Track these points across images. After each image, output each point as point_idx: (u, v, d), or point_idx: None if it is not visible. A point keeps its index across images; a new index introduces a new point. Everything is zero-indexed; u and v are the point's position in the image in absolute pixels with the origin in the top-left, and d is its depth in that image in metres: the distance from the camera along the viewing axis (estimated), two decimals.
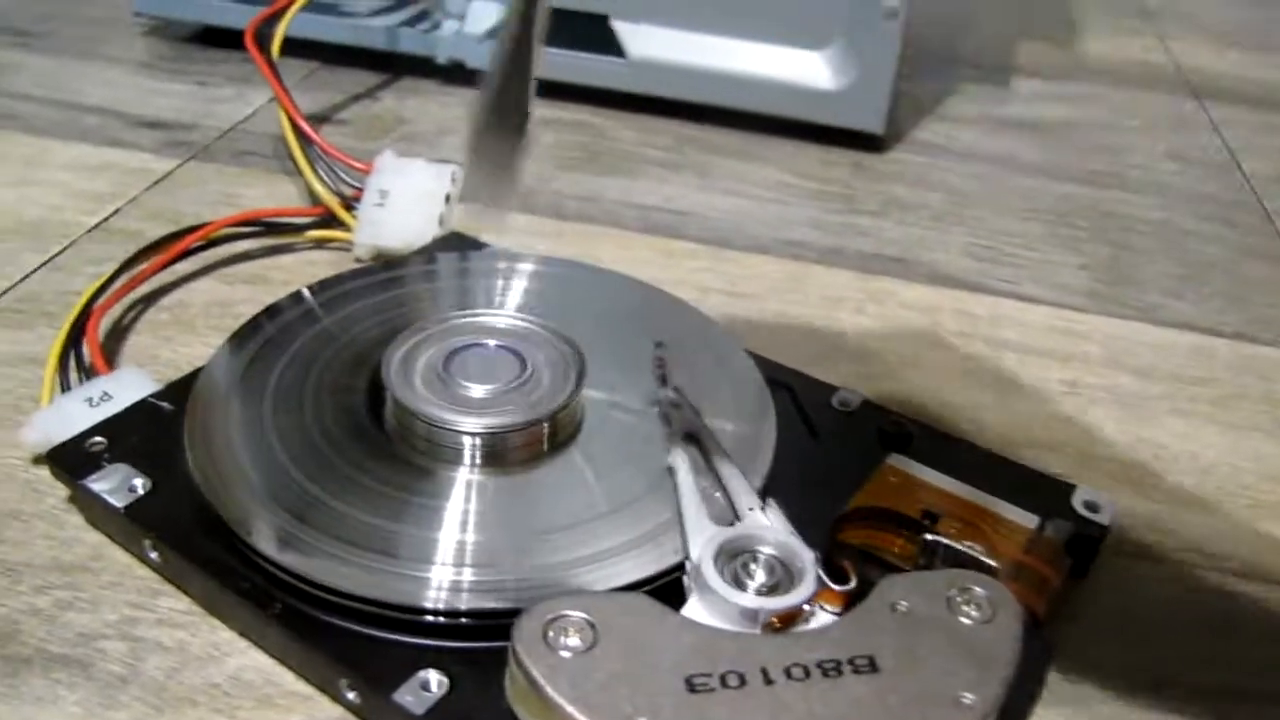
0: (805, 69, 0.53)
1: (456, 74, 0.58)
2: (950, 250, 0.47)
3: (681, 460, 0.28)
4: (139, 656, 0.26)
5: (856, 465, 0.31)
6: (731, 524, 0.26)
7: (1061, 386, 0.38)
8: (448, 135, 0.53)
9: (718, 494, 0.27)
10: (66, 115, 0.52)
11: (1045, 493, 0.30)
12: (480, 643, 0.25)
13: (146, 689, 0.25)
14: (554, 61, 0.56)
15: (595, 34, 0.55)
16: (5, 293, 0.39)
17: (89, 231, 0.42)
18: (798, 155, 0.54)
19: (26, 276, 0.39)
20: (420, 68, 0.58)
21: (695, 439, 0.29)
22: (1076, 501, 0.30)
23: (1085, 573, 0.30)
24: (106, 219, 0.43)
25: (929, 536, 0.28)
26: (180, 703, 0.25)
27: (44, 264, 0.40)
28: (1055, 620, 0.28)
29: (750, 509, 0.27)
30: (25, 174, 0.46)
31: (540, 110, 0.55)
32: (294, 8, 0.48)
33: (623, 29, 0.54)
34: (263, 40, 0.47)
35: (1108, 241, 0.49)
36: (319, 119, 0.54)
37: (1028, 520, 0.29)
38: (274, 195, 0.46)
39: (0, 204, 0.44)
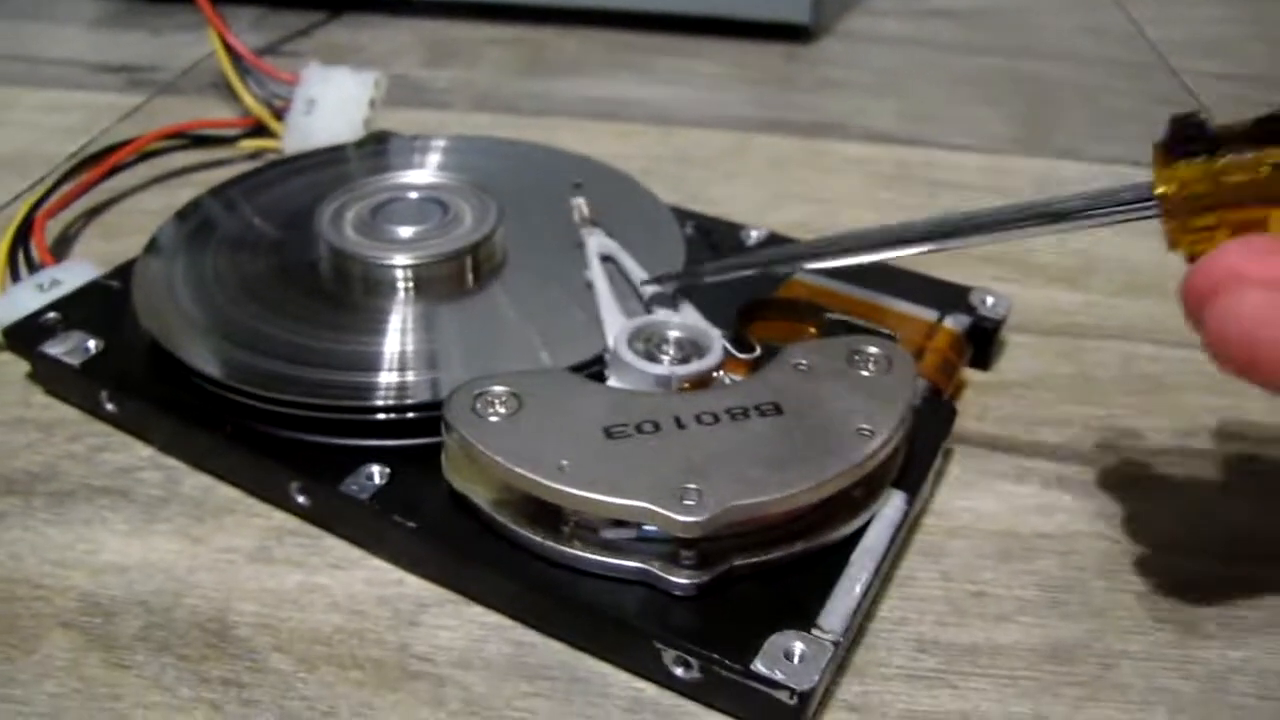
0: None
1: (402, 6, 0.60)
2: (885, 116, 0.50)
3: (599, 275, 0.31)
4: (175, 480, 0.28)
5: (764, 285, 0.32)
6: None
7: None
8: (402, 56, 0.56)
9: (633, 300, 0.30)
10: (29, 68, 0.53)
11: (944, 294, 0.33)
12: (418, 439, 0.27)
13: (186, 504, 0.28)
14: None
15: None
16: None
17: (69, 159, 0.44)
18: (732, 51, 0.57)
19: (16, 198, 0.41)
20: (366, 3, 0.61)
21: (610, 260, 0.32)
22: (974, 299, 0.33)
23: (987, 365, 0.33)
24: (85, 146, 0.45)
25: (831, 316, 0.30)
26: (219, 511, 0.27)
27: (31, 187, 0.42)
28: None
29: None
30: None
31: (480, 31, 0.58)
32: None
33: None
34: None
35: (1028, 99, 0.52)
36: (276, 54, 0.56)
37: (928, 315, 0.32)
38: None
39: None
